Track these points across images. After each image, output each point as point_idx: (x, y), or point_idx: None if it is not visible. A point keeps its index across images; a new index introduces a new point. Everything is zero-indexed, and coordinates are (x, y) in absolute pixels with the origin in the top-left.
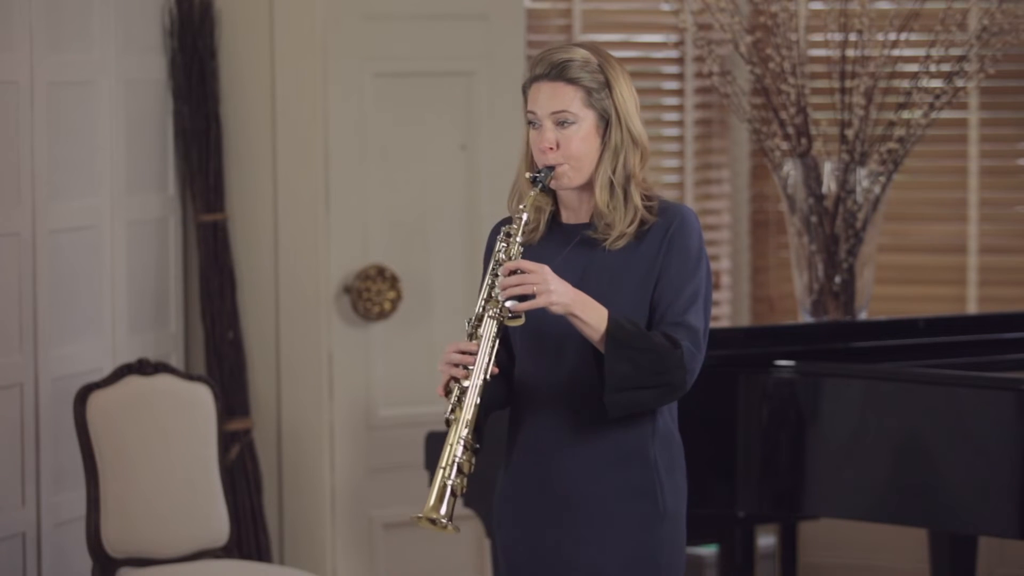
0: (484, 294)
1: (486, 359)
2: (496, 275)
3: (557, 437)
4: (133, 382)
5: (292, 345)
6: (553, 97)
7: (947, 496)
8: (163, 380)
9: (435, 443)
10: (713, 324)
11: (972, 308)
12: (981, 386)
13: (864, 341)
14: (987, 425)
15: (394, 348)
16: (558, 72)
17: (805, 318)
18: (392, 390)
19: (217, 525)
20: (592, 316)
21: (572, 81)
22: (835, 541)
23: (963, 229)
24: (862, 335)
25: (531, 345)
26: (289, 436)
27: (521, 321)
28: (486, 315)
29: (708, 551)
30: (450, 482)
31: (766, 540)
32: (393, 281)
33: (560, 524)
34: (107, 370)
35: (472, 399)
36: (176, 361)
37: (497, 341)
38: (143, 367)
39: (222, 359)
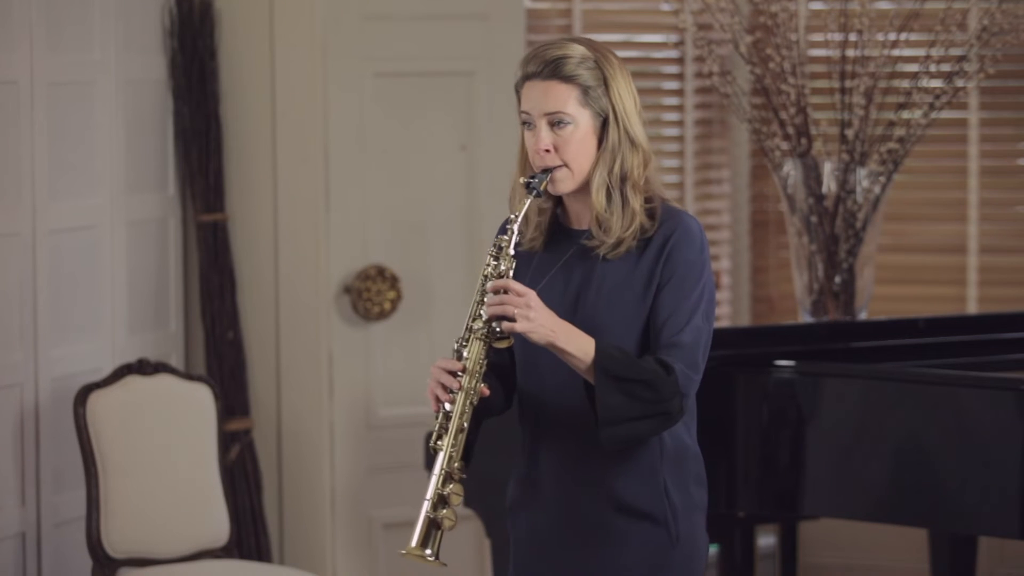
0: (473, 310)
1: (472, 383)
2: (485, 291)
3: (564, 461)
4: (133, 382)
5: (292, 345)
6: (547, 97)
7: (947, 496)
8: (163, 380)
9: None
10: (713, 324)
11: (972, 308)
12: (981, 386)
13: (864, 341)
14: (987, 425)
15: (394, 348)
16: (552, 70)
17: (805, 318)
18: (392, 390)
19: (217, 525)
20: (577, 347)
21: (567, 79)
22: (835, 541)
23: (963, 229)
24: (862, 335)
25: (529, 364)
26: (289, 436)
27: (509, 343)
28: (473, 336)
29: (709, 551)
30: (435, 515)
31: (766, 540)
32: (393, 281)
33: (569, 549)
34: (107, 370)
35: (456, 426)
36: (176, 361)
37: (485, 364)
38: (143, 367)
39: (222, 359)
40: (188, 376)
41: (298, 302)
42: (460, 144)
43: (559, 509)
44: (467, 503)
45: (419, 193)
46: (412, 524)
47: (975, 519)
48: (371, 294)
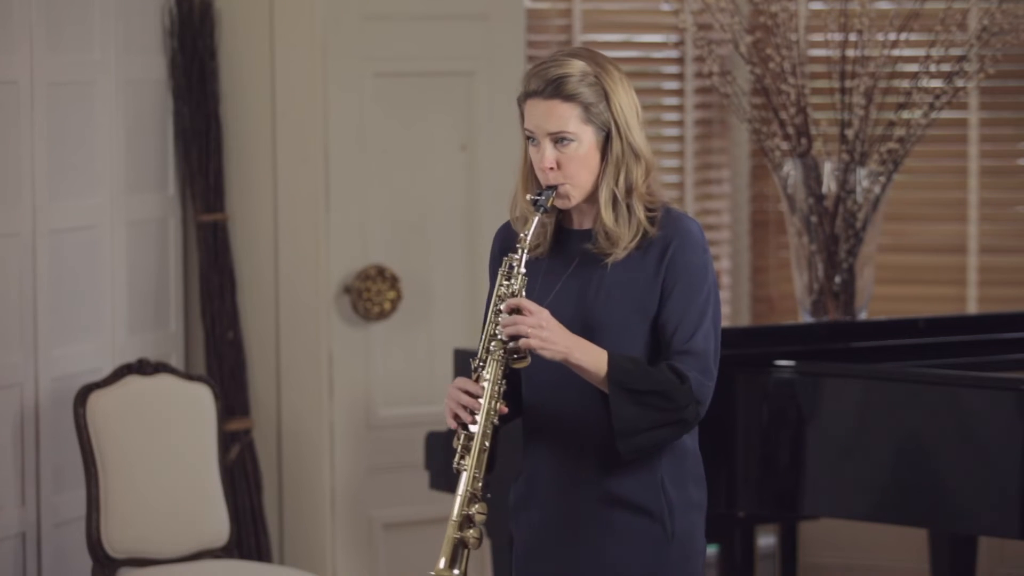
0: (488, 330)
1: (492, 403)
2: (499, 311)
3: (561, 460)
4: (133, 382)
5: (292, 345)
6: (549, 116)
7: (947, 496)
8: (163, 380)
9: (435, 443)
10: (721, 324)
11: (972, 308)
12: (981, 386)
13: (864, 341)
14: (987, 425)
15: (394, 348)
16: (554, 89)
17: (805, 318)
18: (392, 390)
19: (217, 525)
20: (590, 361)
21: (569, 98)
22: (835, 541)
23: (963, 229)
24: (862, 335)
25: (533, 373)
26: (289, 436)
27: (526, 363)
28: (491, 357)
29: (708, 551)
30: (460, 535)
31: (766, 540)
32: (393, 281)
33: (566, 546)
34: (107, 370)
35: (479, 447)
36: (176, 361)
37: (503, 384)
38: (143, 367)
39: (222, 359)
40: (188, 376)
41: (298, 302)
42: (460, 144)
43: (556, 507)
44: None
45: (419, 193)
46: (412, 524)
47: (975, 519)
48: (371, 294)
